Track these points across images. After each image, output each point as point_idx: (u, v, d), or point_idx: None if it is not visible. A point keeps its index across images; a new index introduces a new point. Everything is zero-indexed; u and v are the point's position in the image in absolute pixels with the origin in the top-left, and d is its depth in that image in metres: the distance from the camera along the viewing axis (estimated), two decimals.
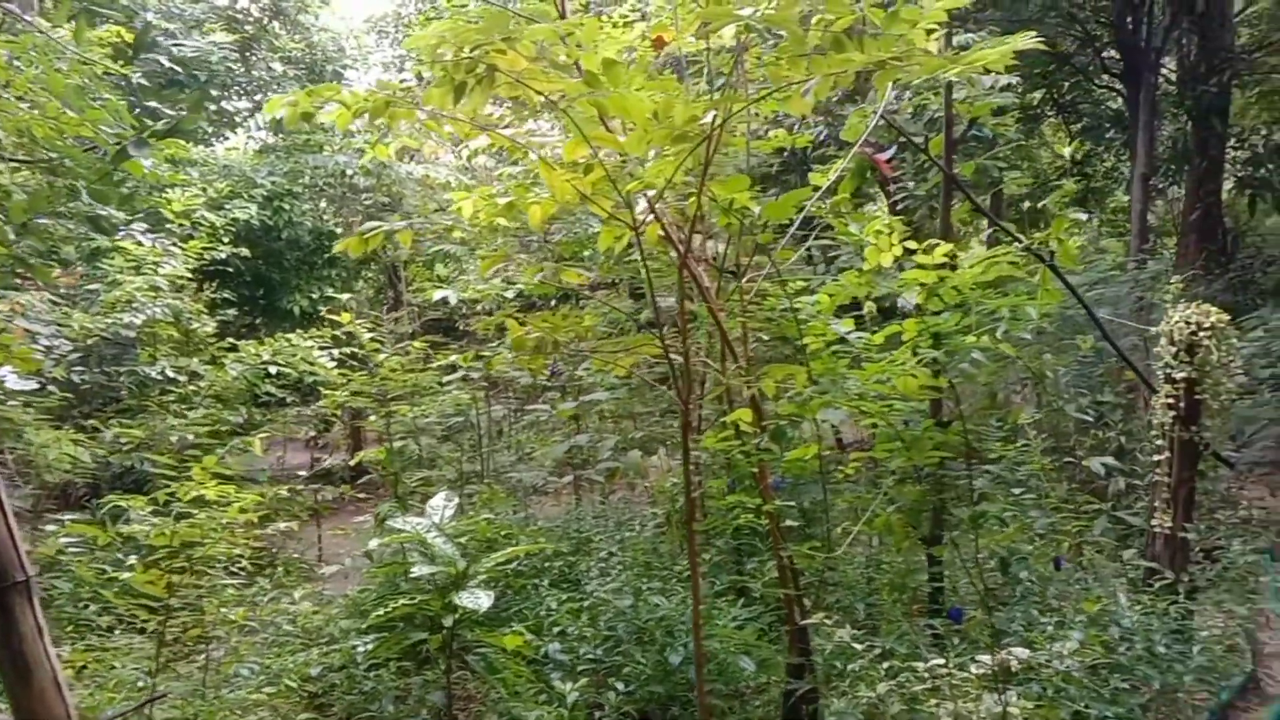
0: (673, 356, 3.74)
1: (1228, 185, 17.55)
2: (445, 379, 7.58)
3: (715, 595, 5.16)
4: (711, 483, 5.12)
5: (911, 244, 3.71)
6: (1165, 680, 4.70)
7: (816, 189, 4.49)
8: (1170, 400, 5.60)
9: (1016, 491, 4.55)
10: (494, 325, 5.42)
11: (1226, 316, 5.58)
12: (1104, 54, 15.97)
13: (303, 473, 9.62)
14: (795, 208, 4.04)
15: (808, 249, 9.21)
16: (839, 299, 4.00)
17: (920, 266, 3.66)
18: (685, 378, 3.70)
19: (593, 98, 2.93)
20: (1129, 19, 14.09)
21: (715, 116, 3.04)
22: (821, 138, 10.74)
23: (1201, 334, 5.46)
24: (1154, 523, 5.78)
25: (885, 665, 4.17)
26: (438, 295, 6.62)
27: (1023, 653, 4.22)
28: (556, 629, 5.02)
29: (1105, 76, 16.61)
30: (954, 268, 3.97)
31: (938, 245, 3.66)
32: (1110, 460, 6.33)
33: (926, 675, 4.18)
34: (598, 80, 2.85)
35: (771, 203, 3.99)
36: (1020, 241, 4.74)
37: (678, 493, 6.08)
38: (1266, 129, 16.30)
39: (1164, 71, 15.91)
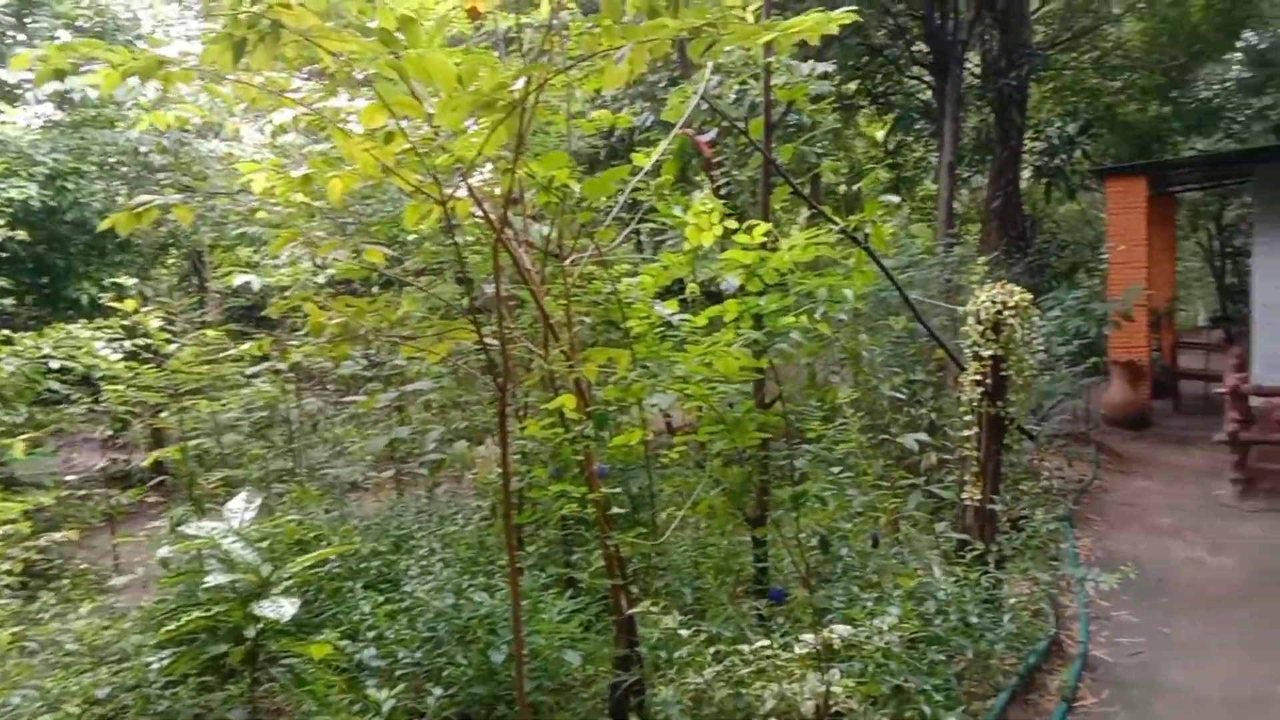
0: (490, 342, 3.54)
1: (1026, 174, 18.71)
2: (250, 370, 7.08)
3: (541, 588, 5.00)
4: (536, 471, 4.95)
5: (731, 224, 3.64)
6: (978, 649, 4.88)
7: (638, 169, 4.38)
8: (978, 377, 5.82)
9: (835, 470, 4.60)
10: (300, 312, 5.05)
11: (1030, 296, 5.84)
12: (914, 47, 16.68)
13: (70, 477, 8.75)
14: (616, 186, 3.91)
15: (635, 234, 9.15)
16: (662, 280, 3.90)
17: (741, 247, 3.60)
18: (504, 364, 3.51)
19: (390, 59, 2.69)
20: (937, 13, 14.72)
21: (528, 83, 2.87)
22: (647, 123, 10.71)
23: (1007, 313, 5.69)
24: (965, 496, 6.01)
25: (712, 650, 4.13)
26: (239, 281, 6.16)
27: (844, 630, 4.28)
28: (373, 633, 4.74)
29: (915, 68, 17.35)
30: (774, 249, 3.95)
31: (757, 225, 3.61)
32: (923, 436, 6.54)
33: (752, 658, 4.17)
34: (392, 39, 2.62)
35: (591, 180, 3.85)
36: (837, 225, 4.79)
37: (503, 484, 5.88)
38: (1061, 121, 17.42)
39: (969, 65, 16.76)
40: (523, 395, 6.03)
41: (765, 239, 3.59)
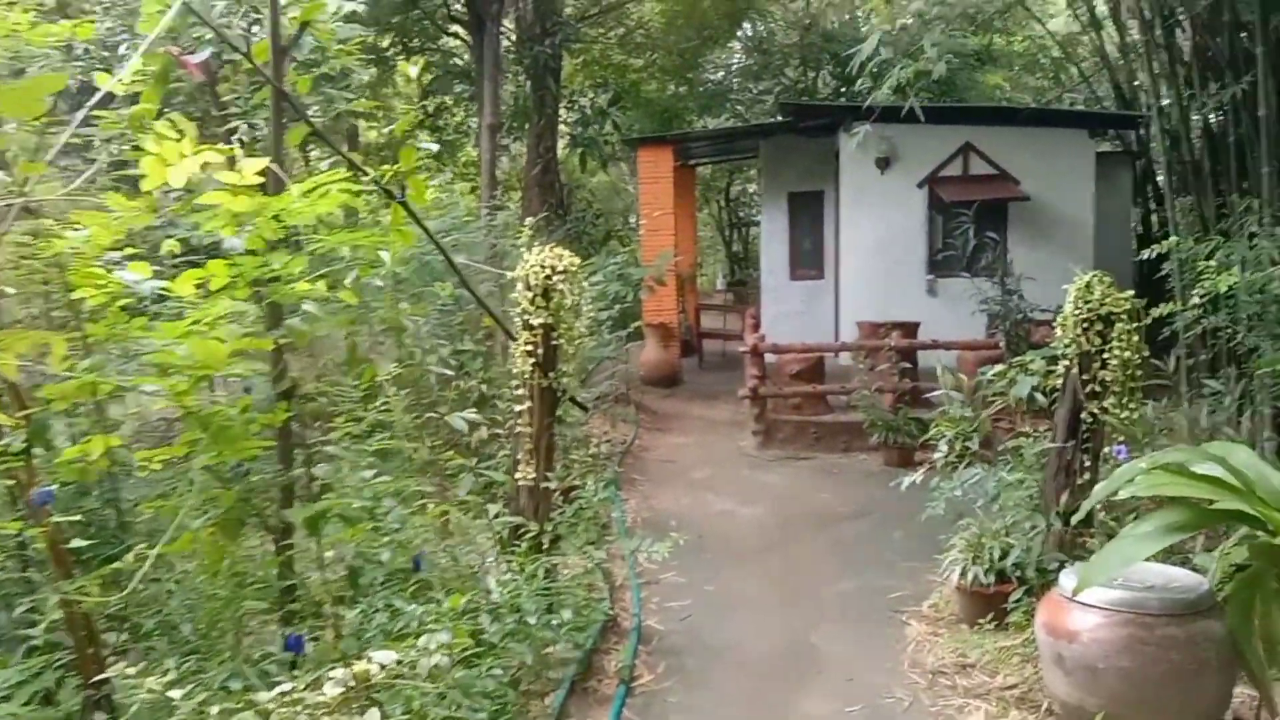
0: None
1: (562, 144, 19.10)
2: None
3: None
4: None
5: (215, 155, 2.73)
6: (536, 647, 4.46)
7: (96, 89, 3.28)
8: (530, 347, 5.39)
9: (370, 472, 3.84)
10: None
11: (578, 260, 5.51)
12: (451, 4, 16.15)
13: None
14: (46, 102, 2.79)
15: (112, 180, 7.58)
16: (114, 232, 2.87)
17: (230, 189, 2.72)
18: None
19: None
20: None
21: None
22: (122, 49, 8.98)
23: (556, 278, 5.30)
24: (518, 476, 5.58)
25: (216, 709, 3.23)
26: None
27: (386, 657, 3.59)
28: None
29: (454, 26, 16.84)
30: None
31: (251, 162, 2.75)
32: (472, 413, 6.01)
33: (271, 707, 3.34)
34: None
35: (8, 88, 2.70)
36: (367, 174, 4.03)
37: None
38: (594, 93, 17.92)
39: (506, 29, 16.58)
40: None
41: (264, 179, 2.74)
